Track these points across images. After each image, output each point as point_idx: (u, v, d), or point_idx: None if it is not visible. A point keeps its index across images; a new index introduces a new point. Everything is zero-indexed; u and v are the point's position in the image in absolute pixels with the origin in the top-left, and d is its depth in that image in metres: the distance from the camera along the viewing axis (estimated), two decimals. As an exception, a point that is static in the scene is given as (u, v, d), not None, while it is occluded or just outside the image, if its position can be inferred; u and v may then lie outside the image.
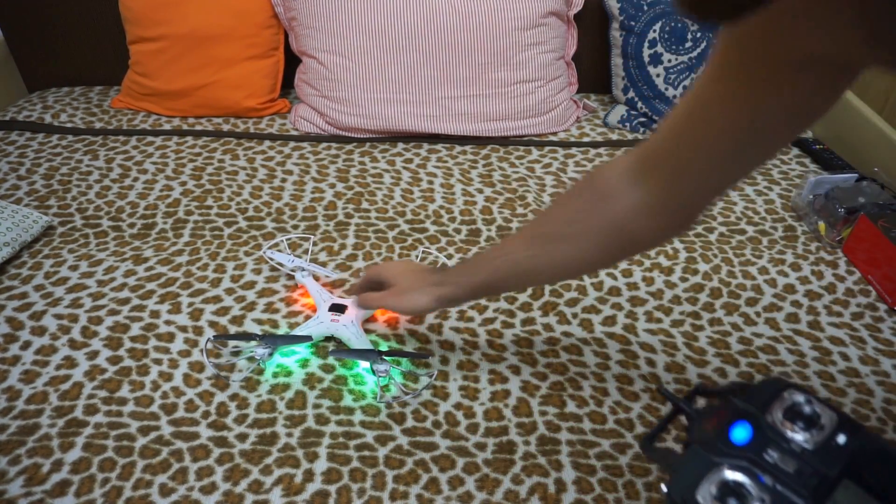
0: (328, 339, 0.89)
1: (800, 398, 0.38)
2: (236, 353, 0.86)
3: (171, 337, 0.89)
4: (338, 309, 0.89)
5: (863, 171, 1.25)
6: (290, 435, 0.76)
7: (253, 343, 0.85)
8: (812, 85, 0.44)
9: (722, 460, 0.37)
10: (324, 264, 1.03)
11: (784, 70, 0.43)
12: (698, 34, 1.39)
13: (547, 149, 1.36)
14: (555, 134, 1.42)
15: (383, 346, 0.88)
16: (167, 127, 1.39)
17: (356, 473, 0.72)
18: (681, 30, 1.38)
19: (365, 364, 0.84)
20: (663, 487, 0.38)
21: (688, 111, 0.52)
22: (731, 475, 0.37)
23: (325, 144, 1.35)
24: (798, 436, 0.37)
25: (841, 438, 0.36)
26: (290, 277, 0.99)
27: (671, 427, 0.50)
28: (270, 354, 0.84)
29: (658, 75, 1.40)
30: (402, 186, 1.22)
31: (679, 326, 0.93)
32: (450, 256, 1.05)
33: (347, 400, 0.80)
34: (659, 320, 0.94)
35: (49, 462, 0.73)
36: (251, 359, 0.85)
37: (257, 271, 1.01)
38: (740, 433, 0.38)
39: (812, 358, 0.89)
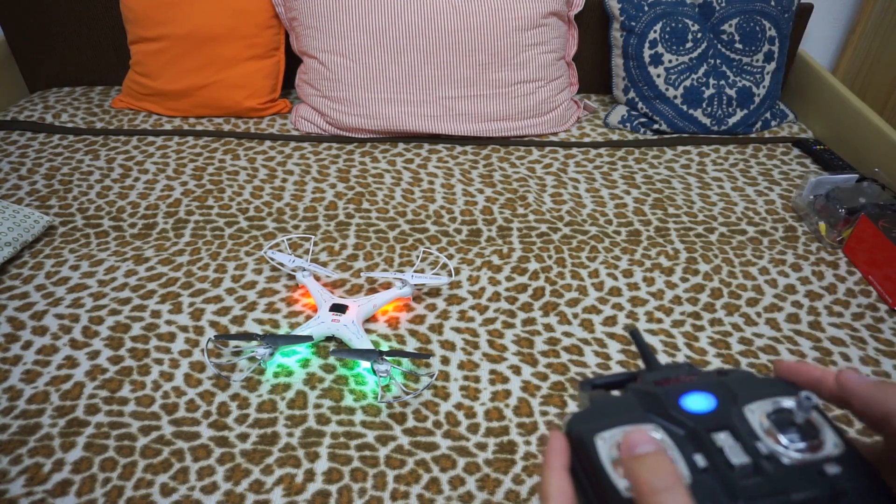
0: (329, 338, 0.89)
1: (803, 406, 0.27)
2: (237, 353, 0.86)
3: (171, 337, 0.89)
4: (338, 309, 0.89)
5: (863, 171, 1.25)
6: (290, 435, 0.76)
7: (254, 343, 0.86)
8: None
9: (653, 417, 0.28)
10: (325, 264, 1.03)
11: None
12: (699, 35, 1.39)
13: (547, 149, 1.36)
14: (555, 134, 1.42)
15: (384, 346, 0.88)
16: (168, 127, 1.39)
17: (357, 473, 0.72)
18: (681, 30, 1.38)
19: (366, 364, 0.85)
20: (558, 422, 0.28)
21: None
22: (654, 433, 0.27)
23: (325, 144, 1.35)
24: (774, 444, 0.27)
25: (832, 469, 0.26)
26: (291, 277, 1.00)
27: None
28: (271, 354, 0.84)
29: (659, 76, 1.40)
30: (402, 186, 1.22)
31: (680, 327, 0.93)
32: (451, 257, 1.05)
33: (348, 400, 0.81)
34: (660, 320, 0.94)
35: (50, 462, 0.73)
36: (252, 359, 0.85)
37: (258, 271, 1.01)
38: (697, 401, 0.28)
39: (813, 358, 0.89)
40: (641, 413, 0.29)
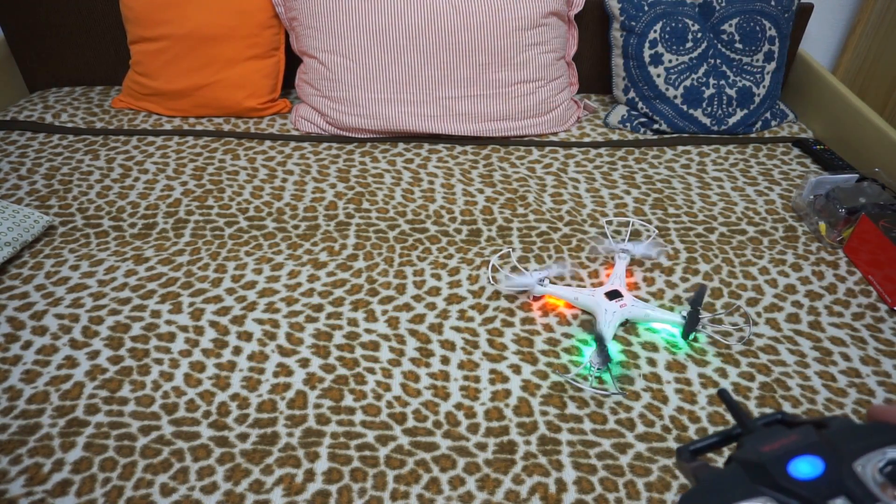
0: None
1: None
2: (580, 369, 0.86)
3: (171, 337, 0.89)
4: (615, 295, 0.92)
5: (863, 171, 1.25)
6: (290, 435, 0.76)
7: (587, 357, 0.87)
8: None
9: (764, 490, 0.28)
10: (324, 264, 1.03)
11: None
12: (699, 34, 1.39)
13: (547, 149, 1.36)
14: (555, 134, 1.42)
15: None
16: (168, 127, 1.39)
17: (357, 473, 0.72)
18: (681, 30, 1.38)
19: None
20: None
21: None
22: None
23: (325, 144, 1.35)
24: (892, 500, 0.26)
25: None
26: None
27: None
28: (606, 364, 0.84)
29: (659, 75, 1.40)
30: (402, 186, 1.22)
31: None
32: (450, 257, 1.05)
33: (348, 400, 0.81)
34: (659, 320, 0.94)
35: (50, 462, 0.73)
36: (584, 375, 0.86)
37: (258, 271, 1.01)
38: (804, 467, 0.28)
39: (813, 358, 0.89)
40: (752, 487, 0.28)
